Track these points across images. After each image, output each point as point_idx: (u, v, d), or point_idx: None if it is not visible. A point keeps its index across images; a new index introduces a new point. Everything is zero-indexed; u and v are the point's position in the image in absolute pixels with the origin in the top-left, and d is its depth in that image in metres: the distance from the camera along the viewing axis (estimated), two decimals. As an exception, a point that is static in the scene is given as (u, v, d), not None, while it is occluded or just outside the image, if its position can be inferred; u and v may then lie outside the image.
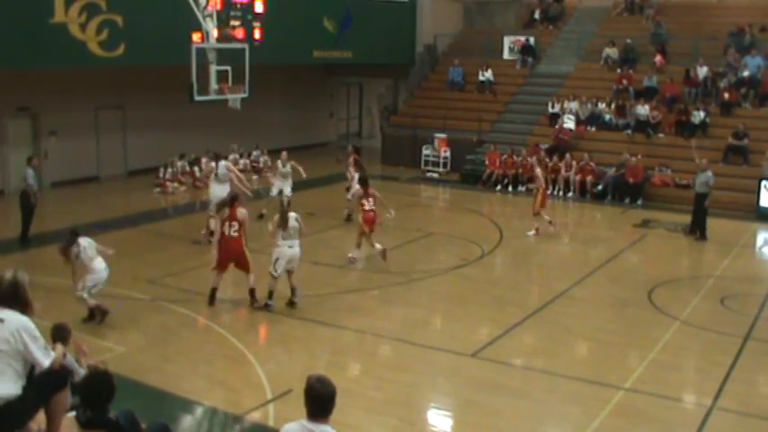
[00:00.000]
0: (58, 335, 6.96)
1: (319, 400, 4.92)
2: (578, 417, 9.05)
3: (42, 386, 6.02)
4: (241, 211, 12.49)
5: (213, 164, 17.38)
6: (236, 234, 12.36)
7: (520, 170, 23.44)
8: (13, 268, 6.08)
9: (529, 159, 21.91)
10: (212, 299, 12.54)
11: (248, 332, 11.94)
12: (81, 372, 6.92)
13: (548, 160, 23.07)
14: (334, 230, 18.03)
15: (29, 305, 6.08)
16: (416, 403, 9.52)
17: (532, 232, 17.77)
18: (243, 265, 12.55)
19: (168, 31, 18.92)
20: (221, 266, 12.58)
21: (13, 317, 5.89)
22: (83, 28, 18.92)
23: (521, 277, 15.35)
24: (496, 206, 22.56)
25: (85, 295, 11.35)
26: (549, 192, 17.77)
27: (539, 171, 18.15)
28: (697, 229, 17.75)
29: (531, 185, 18.69)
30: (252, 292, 12.47)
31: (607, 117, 24.73)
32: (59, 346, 6.45)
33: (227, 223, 12.43)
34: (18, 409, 5.88)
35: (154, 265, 14.75)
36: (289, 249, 12.24)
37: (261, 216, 18.04)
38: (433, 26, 30.03)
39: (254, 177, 22.50)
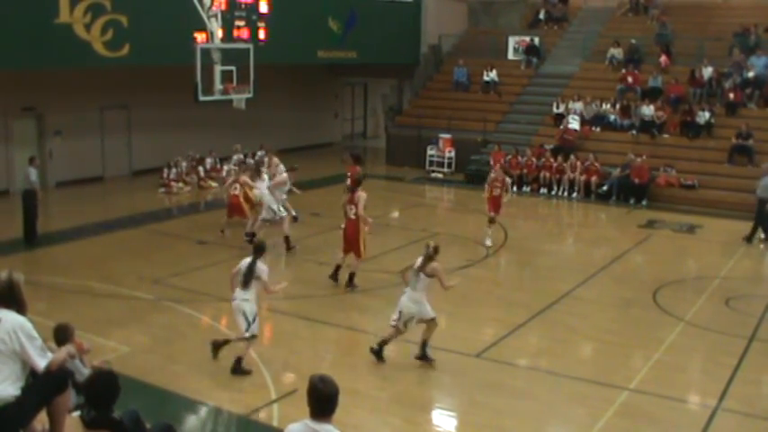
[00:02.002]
0: (61, 335, 6.96)
1: (322, 399, 4.92)
2: (583, 417, 9.05)
3: (42, 388, 6.00)
4: (359, 195, 12.91)
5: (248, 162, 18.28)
6: (353, 217, 12.90)
7: (524, 170, 23.44)
8: (8, 268, 6.09)
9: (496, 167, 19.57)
10: (335, 275, 13.51)
11: (253, 332, 11.94)
12: (84, 371, 6.93)
13: (552, 160, 23.10)
14: (339, 231, 17.96)
15: (24, 305, 6.07)
16: (421, 403, 9.52)
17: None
18: (354, 249, 13.13)
19: (173, 31, 18.93)
20: (344, 248, 13.31)
21: (9, 316, 5.87)
22: (88, 28, 18.95)
23: (525, 278, 15.33)
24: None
25: None
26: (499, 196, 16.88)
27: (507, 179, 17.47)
28: (764, 234, 17.69)
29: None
30: (351, 276, 13.27)
31: (612, 117, 24.69)
32: (65, 347, 6.42)
33: (347, 206, 13.05)
34: (16, 411, 5.85)
35: (158, 265, 14.77)
36: (233, 302, 10.10)
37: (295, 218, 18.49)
38: (438, 26, 30.00)
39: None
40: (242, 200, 17.05)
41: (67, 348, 6.42)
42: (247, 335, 9.78)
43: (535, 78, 27.88)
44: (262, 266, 9.89)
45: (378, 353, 10.37)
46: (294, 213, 18.21)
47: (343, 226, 13.72)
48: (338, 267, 13.64)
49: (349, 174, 17.03)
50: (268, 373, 9.92)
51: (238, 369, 9.83)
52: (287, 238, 15.94)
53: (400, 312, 10.28)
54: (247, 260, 9.92)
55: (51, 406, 6.12)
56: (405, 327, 10.35)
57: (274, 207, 15.96)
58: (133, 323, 11.71)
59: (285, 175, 16.58)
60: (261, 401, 9.16)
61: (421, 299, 10.25)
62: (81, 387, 6.35)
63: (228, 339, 10.28)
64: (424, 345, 10.40)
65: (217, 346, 10.22)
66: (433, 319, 10.31)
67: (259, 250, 10.02)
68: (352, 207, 13.09)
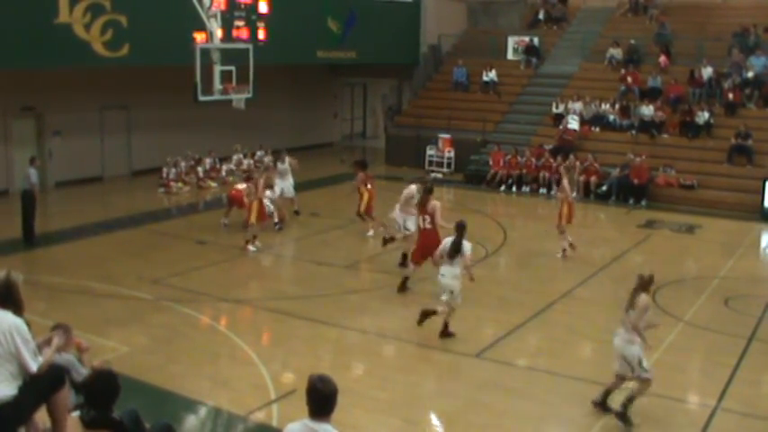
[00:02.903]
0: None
1: (320, 398, 4.93)
2: (582, 417, 9.05)
3: (38, 387, 6.00)
4: (431, 205, 12.80)
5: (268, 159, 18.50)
6: (429, 226, 12.78)
7: (524, 170, 23.45)
8: (6, 268, 6.08)
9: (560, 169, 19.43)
10: (403, 287, 13.20)
11: (252, 332, 11.95)
12: (82, 370, 6.91)
13: (551, 160, 23.11)
14: (338, 231, 18.02)
15: (21, 306, 6.06)
16: (420, 403, 9.51)
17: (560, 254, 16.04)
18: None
19: (172, 31, 18.92)
20: (418, 258, 13.06)
21: (5, 317, 5.87)
22: (87, 28, 18.94)
23: (524, 278, 15.32)
24: (500, 206, 22.56)
25: None
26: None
27: (566, 182, 16.36)
28: None
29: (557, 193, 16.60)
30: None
31: (611, 117, 24.70)
32: (53, 343, 6.39)
33: (421, 217, 12.94)
34: (13, 411, 5.85)
35: (158, 265, 14.76)
36: (440, 277, 11.16)
37: (296, 212, 18.70)
38: (438, 26, 30.02)
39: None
40: (245, 194, 16.49)
41: (55, 342, 6.38)
42: (459, 301, 11.06)
43: (534, 78, 27.89)
44: (467, 244, 10.87)
45: (444, 331, 11.18)
46: (296, 207, 18.47)
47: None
48: (407, 279, 13.30)
49: (359, 179, 17.16)
50: (267, 372, 9.92)
51: (445, 333, 11.13)
52: (404, 256, 14.70)
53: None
54: (451, 238, 10.98)
55: (51, 404, 6.11)
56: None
57: (401, 222, 14.79)
58: (132, 323, 11.70)
59: (413, 188, 14.85)
60: (260, 401, 9.16)
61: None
62: (80, 387, 6.34)
63: (436, 310, 11.13)
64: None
65: (426, 315, 11.11)
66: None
67: (462, 228, 10.94)
68: (427, 217, 12.87)
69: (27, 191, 16.19)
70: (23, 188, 16.38)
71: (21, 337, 5.83)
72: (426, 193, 13.14)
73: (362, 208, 17.00)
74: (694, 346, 11.64)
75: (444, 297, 11.02)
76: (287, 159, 18.44)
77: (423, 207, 13.01)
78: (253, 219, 15.84)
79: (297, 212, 18.84)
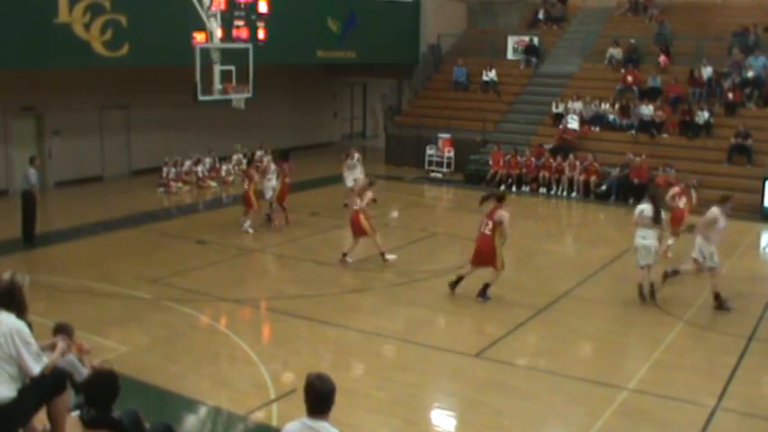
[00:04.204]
0: (59, 333, 6.95)
1: (318, 397, 4.94)
2: (582, 417, 9.04)
3: (40, 390, 6.00)
4: (500, 213, 12.64)
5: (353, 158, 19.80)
6: (488, 233, 12.66)
7: (523, 170, 23.45)
8: (12, 270, 6.07)
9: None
10: (454, 285, 13.06)
11: (252, 332, 11.96)
12: (83, 371, 6.92)
13: (551, 160, 23.13)
14: (338, 230, 18.00)
15: (25, 308, 6.05)
16: (420, 403, 9.51)
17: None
18: (490, 263, 12.78)
19: (172, 31, 18.94)
20: (473, 261, 13.00)
21: (6, 319, 5.86)
22: (87, 28, 18.95)
23: (524, 277, 15.30)
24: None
25: None
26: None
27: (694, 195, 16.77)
28: None
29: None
30: (486, 286, 12.88)
31: (611, 117, 24.71)
32: (58, 347, 6.40)
33: (484, 220, 12.85)
34: (12, 413, 5.85)
35: (158, 265, 14.76)
36: (641, 240, 12.79)
37: (345, 206, 18.93)
38: (437, 26, 30.01)
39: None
40: (251, 192, 17.23)
41: (60, 347, 6.39)
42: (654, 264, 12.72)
43: (534, 78, 27.89)
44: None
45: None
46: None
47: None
48: (461, 278, 13.13)
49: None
50: (267, 372, 9.92)
51: (652, 291, 12.83)
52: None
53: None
54: (645, 206, 12.73)
55: (51, 407, 6.12)
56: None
57: (707, 252, 12.64)
58: (132, 323, 11.70)
59: (715, 211, 12.80)
60: (260, 401, 9.16)
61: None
62: (80, 387, 6.35)
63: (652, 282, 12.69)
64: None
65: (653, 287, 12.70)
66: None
67: (655, 198, 12.83)
68: (489, 222, 12.71)
69: (27, 191, 16.17)
70: (23, 188, 16.36)
71: (22, 340, 5.83)
72: (498, 200, 12.99)
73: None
74: (694, 345, 11.63)
75: (643, 261, 12.70)
76: (356, 155, 20.10)
77: (490, 213, 12.78)
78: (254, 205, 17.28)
79: (345, 205, 19.76)
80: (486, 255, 12.74)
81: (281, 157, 18.57)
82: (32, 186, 16.16)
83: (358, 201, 15.01)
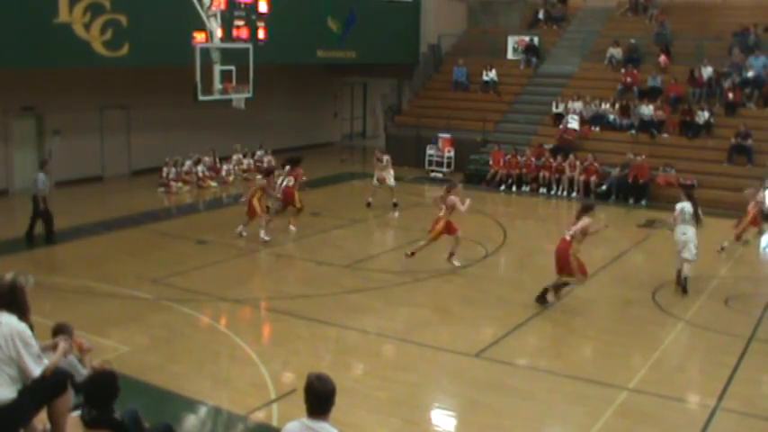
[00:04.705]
0: (59, 333, 6.94)
1: (318, 397, 4.94)
2: (582, 417, 9.04)
3: (40, 391, 6.00)
4: (583, 221, 12.60)
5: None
6: (568, 238, 12.60)
7: (524, 170, 23.46)
8: (15, 271, 6.06)
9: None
10: (542, 297, 12.84)
11: (252, 332, 11.95)
12: (83, 371, 6.92)
13: (551, 160, 23.13)
14: (339, 230, 18.04)
15: (26, 310, 6.04)
16: (420, 403, 9.51)
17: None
18: (565, 269, 12.62)
19: (172, 31, 18.93)
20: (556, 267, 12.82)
21: (7, 321, 5.86)
22: (87, 28, 18.95)
23: (524, 277, 15.31)
24: (500, 206, 22.56)
25: None
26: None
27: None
28: None
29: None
30: (550, 290, 12.85)
31: (611, 117, 24.71)
32: (60, 348, 6.39)
33: (569, 228, 12.73)
34: (12, 414, 5.85)
35: (158, 265, 14.76)
36: (681, 236, 13.48)
37: (368, 204, 19.47)
38: (437, 26, 30.01)
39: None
40: (256, 201, 16.64)
41: (62, 347, 6.38)
42: (695, 259, 13.36)
43: (534, 78, 27.89)
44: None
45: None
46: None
47: None
48: (547, 290, 12.97)
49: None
50: (267, 372, 9.92)
51: (684, 285, 13.36)
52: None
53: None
54: (684, 204, 13.60)
55: (51, 408, 6.11)
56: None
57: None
58: (132, 323, 11.70)
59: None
60: (260, 401, 9.16)
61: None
62: (80, 387, 6.35)
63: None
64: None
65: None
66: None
67: (690, 196, 13.71)
68: (571, 228, 12.68)
69: (35, 196, 15.91)
70: (33, 193, 16.04)
71: (22, 342, 5.82)
72: (583, 211, 12.92)
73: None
74: (694, 345, 11.64)
75: (685, 254, 13.29)
76: (384, 158, 20.42)
77: (575, 219, 12.76)
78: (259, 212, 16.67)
79: (395, 204, 20.40)
80: (560, 259, 12.64)
81: (293, 162, 17.97)
82: (39, 191, 15.83)
83: (444, 207, 14.76)
